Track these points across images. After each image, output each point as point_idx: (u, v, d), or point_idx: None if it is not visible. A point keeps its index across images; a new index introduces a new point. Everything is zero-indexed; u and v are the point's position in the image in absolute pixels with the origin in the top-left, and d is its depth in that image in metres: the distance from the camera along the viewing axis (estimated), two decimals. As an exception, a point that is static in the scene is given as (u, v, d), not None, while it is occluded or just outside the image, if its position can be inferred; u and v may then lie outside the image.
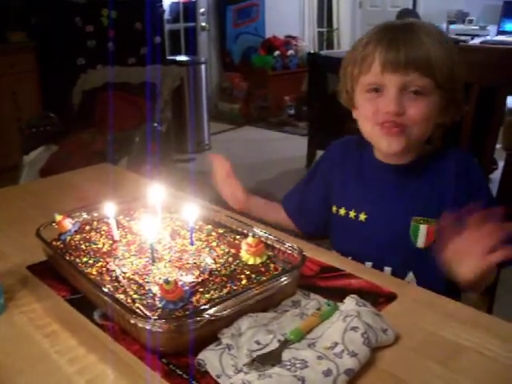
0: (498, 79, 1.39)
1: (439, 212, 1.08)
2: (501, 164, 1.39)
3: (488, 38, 6.10)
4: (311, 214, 1.34)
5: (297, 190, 1.39)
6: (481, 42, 5.74)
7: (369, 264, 1.20)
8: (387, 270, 1.18)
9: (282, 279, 0.93)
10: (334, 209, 1.27)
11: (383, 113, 1.11)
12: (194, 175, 4.50)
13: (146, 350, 0.85)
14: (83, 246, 1.09)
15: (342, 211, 1.25)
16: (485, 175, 1.20)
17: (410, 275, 1.17)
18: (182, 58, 5.43)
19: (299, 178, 1.40)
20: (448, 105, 1.13)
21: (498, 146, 1.48)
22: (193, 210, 1.11)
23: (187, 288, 0.90)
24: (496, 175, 1.52)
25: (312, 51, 6.19)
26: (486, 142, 1.42)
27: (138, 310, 0.86)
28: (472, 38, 6.10)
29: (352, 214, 1.24)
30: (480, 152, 1.45)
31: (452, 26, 6.58)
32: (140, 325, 0.83)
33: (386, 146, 1.14)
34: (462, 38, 6.03)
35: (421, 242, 1.15)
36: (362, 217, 1.22)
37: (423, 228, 1.14)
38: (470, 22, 6.57)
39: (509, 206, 1.36)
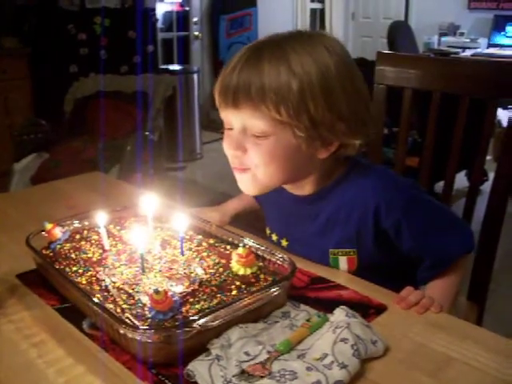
0: (489, 91, 1.40)
1: (358, 244, 1.10)
2: (491, 175, 1.40)
3: (479, 50, 6.16)
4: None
5: None
6: (472, 55, 5.80)
7: None
8: None
9: (272, 290, 0.93)
10: (266, 230, 1.27)
11: (229, 157, 1.05)
12: (186, 184, 4.51)
13: (135, 360, 0.84)
14: (73, 255, 1.09)
15: (268, 232, 1.26)
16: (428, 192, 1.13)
17: None
18: (175, 66, 5.45)
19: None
20: (313, 141, 1.00)
21: (488, 157, 1.48)
22: (183, 220, 1.11)
23: (177, 298, 0.89)
24: (486, 187, 1.53)
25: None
26: (476, 154, 1.42)
27: (127, 320, 0.85)
28: (463, 51, 6.15)
29: (274, 237, 1.24)
30: (470, 163, 1.45)
31: (443, 39, 6.64)
32: (129, 335, 0.82)
33: (240, 186, 1.09)
34: (453, 50, 6.09)
35: (344, 269, 1.14)
36: (284, 243, 1.21)
37: (343, 259, 1.13)
38: (462, 34, 6.63)
39: (499, 217, 1.37)
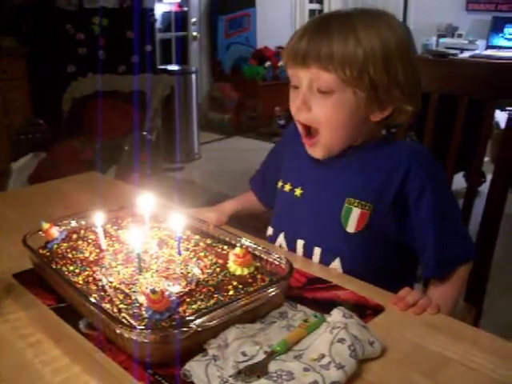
0: (487, 93, 1.40)
1: (378, 199, 1.12)
2: (489, 177, 1.40)
3: (477, 52, 6.16)
4: (272, 186, 1.32)
5: (260, 169, 1.43)
6: (470, 56, 5.80)
7: (301, 242, 1.20)
8: (317, 250, 1.18)
9: (270, 290, 0.93)
10: (278, 183, 1.28)
11: (294, 111, 1.14)
12: (183, 184, 4.51)
13: (131, 360, 0.84)
14: (70, 255, 1.09)
15: (280, 184, 1.27)
16: (447, 179, 1.21)
17: (336, 261, 1.15)
18: (173, 67, 5.44)
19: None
20: (371, 102, 1.09)
21: (486, 158, 1.48)
22: (180, 220, 1.10)
23: (174, 298, 0.89)
24: (484, 188, 1.53)
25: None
26: (474, 155, 1.43)
27: (124, 320, 0.85)
28: (461, 52, 6.15)
29: (288, 187, 1.25)
30: (468, 165, 1.45)
31: (442, 40, 6.64)
32: (126, 335, 0.82)
33: (309, 152, 1.18)
34: (452, 51, 6.09)
35: (351, 226, 1.13)
36: (298, 192, 1.22)
37: (356, 211, 1.13)
38: (460, 36, 6.63)
39: (496, 218, 1.37)
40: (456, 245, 1.13)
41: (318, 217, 1.18)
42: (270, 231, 1.29)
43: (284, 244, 1.24)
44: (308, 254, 1.19)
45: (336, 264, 1.15)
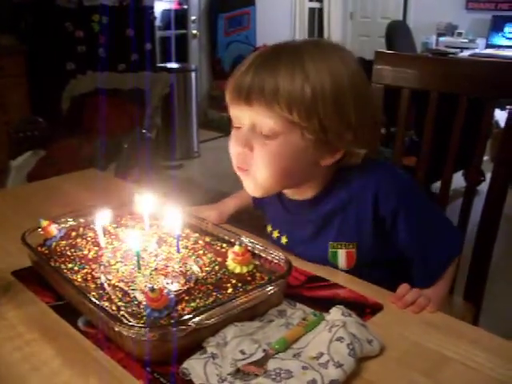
0: (486, 92, 1.40)
1: (358, 236, 1.11)
2: (488, 176, 1.40)
3: (477, 51, 6.17)
4: None
5: None
6: (469, 55, 5.81)
7: None
8: None
9: (268, 288, 0.93)
10: (267, 227, 1.27)
11: (232, 155, 1.06)
12: (182, 183, 4.50)
13: (130, 358, 0.84)
14: (69, 253, 1.08)
15: (269, 229, 1.26)
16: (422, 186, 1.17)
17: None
18: (173, 65, 5.44)
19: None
20: (320, 146, 1.01)
21: (485, 157, 1.48)
22: (180, 218, 1.10)
23: (172, 296, 0.89)
24: (483, 187, 1.53)
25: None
26: (473, 154, 1.42)
27: (122, 318, 0.85)
28: (461, 51, 6.16)
29: (275, 234, 1.24)
30: (467, 163, 1.45)
31: (441, 39, 6.64)
32: (124, 333, 0.82)
33: (245, 188, 1.11)
34: (452, 50, 6.09)
35: (342, 265, 1.14)
36: (284, 240, 1.21)
37: (342, 253, 1.13)
38: (459, 34, 6.63)
39: (495, 217, 1.37)
40: (440, 251, 1.13)
41: (310, 261, 1.16)
42: None
43: None
44: None
45: None
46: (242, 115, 1.03)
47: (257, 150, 1.02)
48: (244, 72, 1.01)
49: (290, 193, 1.16)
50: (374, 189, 1.07)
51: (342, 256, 1.13)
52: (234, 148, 1.05)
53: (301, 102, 0.96)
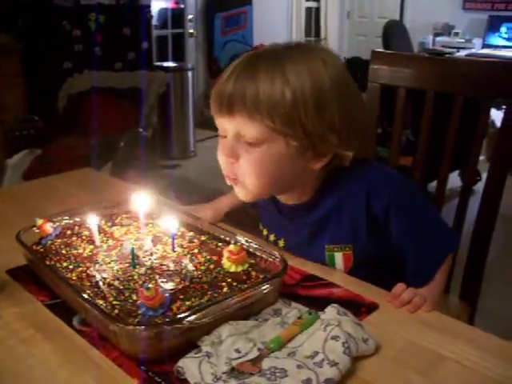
0: (482, 91, 1.40)
1: (353, 237, 1.11)
2: (484, 176, 1.40)
3: (473, 50, 6.18)
4: None
5: None
6: (466, 55, 5.81)
7: None
8: None
9: (264, 287, 0.93)
10: (261, 227, 1.27)
11: (220, 163, 1.07)
12: (179, 182, 4.50)
13: (125, 356, 0.84)
14: (64, 251, 1.08)
15: (265, 232, 1.26)
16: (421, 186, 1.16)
17: None
18: (169, 64, 5.44)
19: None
20: (306, 151, 1.01)
21: (481, 157, 1.48)
22: (175, 217, 1.10)
23: (167, 295, 0.89)
24: (479, 187, 1.53)
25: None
26: (469, 154, 1.43)
27: (117, 317, 0.85)
28: (458, 51, 6.17)
29: (272, 237, 1.23)
30: (464, 163, 1.45)
31: (438, 39, 6.65)
32: (119, 331, 0.82)
33: (237, 194, 1.11)
34: (448, 50, 6.10)
35: (340, 267, 1.14)
36: (281, 243, 1.21)
37: (338, 255, 1.13)
38: (456, 34, 6.64)
39: (491, 216, 1.37)
40: (433, 250, 1.13)
41: (303, 262, 1.16)
42: None
43: None
44: None
45: None
46: (225, 125, 1.03)
47: (242, 158, 1.02)
48: (225, 81, 1.01)
49: (283, 197, 1.16)
50: (365, 188, 1.07)
51: (338, 259, 1.13)
52: (221, 157, 1.06)
53: (282, 107, 0.96)
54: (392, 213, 1.07)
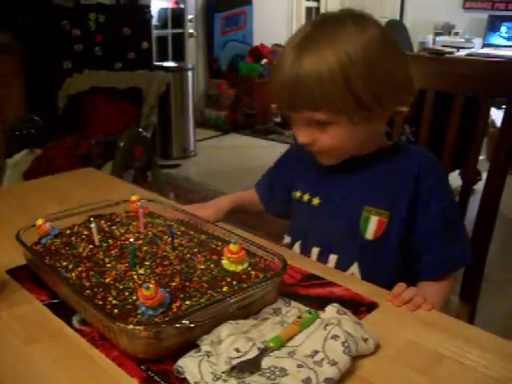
0: (482, 91, 1.40)
1: (392, 207, 1.14)
2: (484, 175, 1.40)
3: (473, 50, 6.18)
4: (278, 193, 1.36)
5: (267, 173, 1.43)
6: (466, 55, 5.81)
7: (316, 250, 1.21)
8: (333, 257, 1.19)
9: (263, 287, 0.93)
10: (293, 193, 1.29)
11: (301, 145, 1.15)
12: (179, 181, 4.50)
13: (124, 356, 0.84)
14: (63, 251, 1.08)
15: (298, 194, 1.27)
16: (447, 179, 1.20)
17: (354, 266, 1.17)
18: (170, 63, 5.44)
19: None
20: (367, 120, 1.08)
21: (481, 157, 1.48)
22: (175, 216, 1.10)
23: (167, 294, 0.89)
24: (479, 186, 1.53)
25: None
26: (469, 153, 1.42)
27: (117, 316, 0.85)
28: (458, 50, 6.17)
29: (306, 197, 1.25)
30: (463, 163, 1.45)
31: (438, 38, 6.66)
32: (119, 331, 0.82)
33: (317, 158, 1.19)
34: (448, 49, 6.10)
35: (370, 233, 1.15)
36: (316, 201, 1.23)
37: (374, 219, 1.14)
38: (456, 34, 6.65)
39: (491, 216, 1.37)
40: (458, 250, 1.16)
41: (336, 225, 1.19)
42: (287, 239, 1.30)
43: (298, 251, 1.26)
44: (322, 261, 1.20)
45: (354, 269, 1.17)
46: (292, 115, 1.12)
47: (318, 137, 1.11)
48: (280, 79, 1.08)
49: None
50: (417, 166, 1.13)
51: (373, 223, 1.14)
52: (299, 140, 1.14)
53: (337, 95, 1.03)
54: (435, 195, 1.13)
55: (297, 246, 1.26)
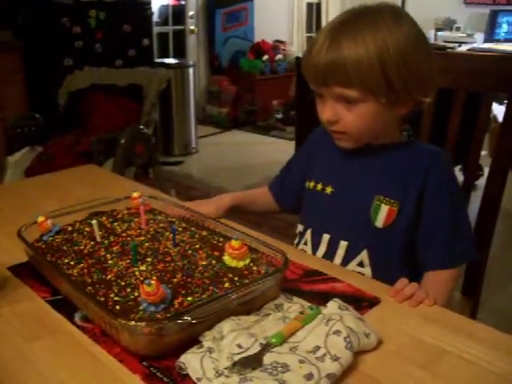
0: (484, 86, 1.40)
1: (403, 197, 1.16)
2: (486, 170, 1.40)
3: (475, 45, 6.15)
4: (291, 188, 1.39)
5: (279, 174, 1.46)
6: (468, 50, 5.79)
7: (326, 236, 1.23)
8: (343, 244, 1.21)
9: (265, 282, 0.93)
10: (306, 183, 1.31)
11: (324, 122, 1.18)
12: (180, 178, 4.50)
13: (126, 352, 0.84)
14: (65, 247, 1.08)
15: (311, 184, 1.29)
16: (456, 177, 1.21)
17: (364, 253, 1.19)
18: (171, 60, 5.43)
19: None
20: (393, 104, 1.13)
21: (483, 152, 1.48)
22: (176, 212, 1.10)
23: (169, 290, 0.89)
24: (481, 182, 1.52)
25: (300, 56, 6.20)
26: (471, 149, 1.42)
27: (119, 313, 0.85)
28: (459, 45, 6.15)
29: (319, 186, 1.27)
30: (465, 158, 1.45)
31: (440, 33, 6.63)
32: (121, 327, 0.82)
33: (336, 142, 1.22)
34: (450, 45, 6.08)
35: (380, 221, 1.17)
36: (329, 190, 1.25)
37: (384, 208, 1.17)
38: (458, 29, 6.63)
39: (493, 211, 1.37)
40: (464, 245, 1.18)
41: (347, 213, 1.21)
42: (299, 228, 1.33)
43: (309, 239, 1.28)
44: (332, 247, 1.23)
45: (363, 256, 1.19)
46: (322, 91, 1.14)
47: (343, 116, 1.13)
48: (315, 55, 1.11)
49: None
50: (426, 163, 1.16)
51: (383, 211, 1.17)
52: (323, 118, 1.17)
53: (369, 73, 1.07)
54: (443, 190, 1.15)
55: (308, 233, 1.28)
